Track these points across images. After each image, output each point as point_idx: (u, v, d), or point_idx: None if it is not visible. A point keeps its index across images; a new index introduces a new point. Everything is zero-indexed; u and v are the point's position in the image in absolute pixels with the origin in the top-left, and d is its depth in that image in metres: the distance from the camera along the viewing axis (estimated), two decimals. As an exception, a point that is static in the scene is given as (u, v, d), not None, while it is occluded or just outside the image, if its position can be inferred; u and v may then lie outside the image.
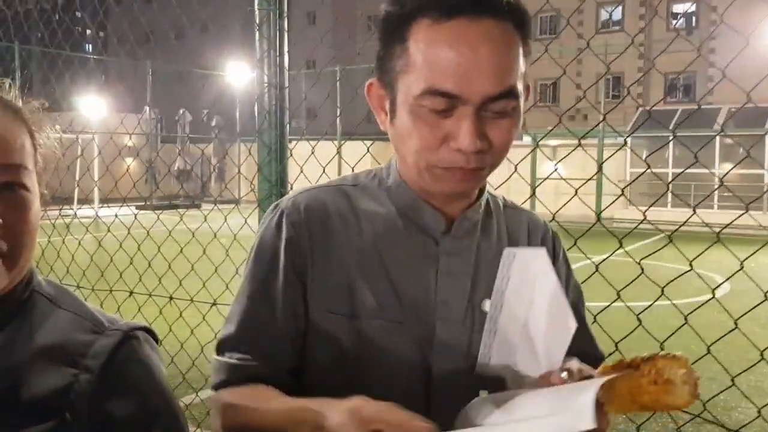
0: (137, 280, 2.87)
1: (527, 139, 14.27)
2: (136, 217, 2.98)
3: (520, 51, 0.97)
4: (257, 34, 2.02)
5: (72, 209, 3.71)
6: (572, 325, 0.91)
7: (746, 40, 1.85)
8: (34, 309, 0.90)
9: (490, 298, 1.02)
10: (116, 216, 3.09)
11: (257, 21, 2.04)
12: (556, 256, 1.19)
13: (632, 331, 1.83)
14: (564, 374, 0.90)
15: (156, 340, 0.96)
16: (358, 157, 2.33)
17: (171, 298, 2.80)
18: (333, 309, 1.03)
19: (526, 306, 0.94)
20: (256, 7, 2.03)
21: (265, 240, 1.08)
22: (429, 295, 1.05)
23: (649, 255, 1.82)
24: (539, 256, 0.95)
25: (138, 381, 0.88)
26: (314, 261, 1.04)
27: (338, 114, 20.24)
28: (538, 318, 0.93)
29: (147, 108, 23.00)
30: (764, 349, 1.72)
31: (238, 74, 24.68)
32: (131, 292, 2.97)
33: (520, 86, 0.97)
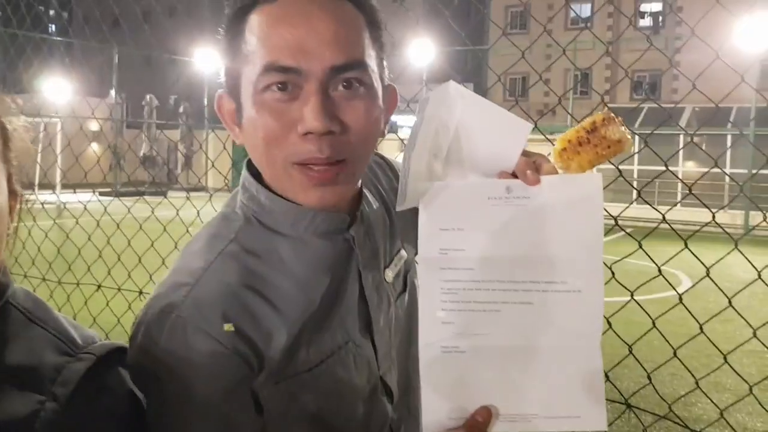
0: (106, 272, 2.80)
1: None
2: (105, 209, 2.90)
3: (366, 31, 0.91)
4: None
5: (33, 194, 3.61)
6: (524, 125, 0.92)
7: (713, 50, 1.88)
8: (5, 323, 0.80)
9: (389, 266, 1.04)
10: (84, 206, 3.01)
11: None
12: (397, 170, 1.18)
13: (604, 332, 1.84)
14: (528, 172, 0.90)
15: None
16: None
17: (140, 292, 2.73)
18: (281, 378, 0.90)
19: (443, 132, 0.93)
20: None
21: (180, 368, 0.84)
22: (358, 294, 0.99)
23: (622, 259, 1.83)
24: (450, 87, 0.93)
25: (111, 414, 0.80)
26: (255, 354, 0.87)
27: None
28: (468, 134, 0.93)
29: (112, 92, 22.59)
30: (728, 352, 1.75)
31: (207, 60, 24.37)
32: (99, 286, 2.90)
33: (374, 68, 0.91)
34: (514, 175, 0.92)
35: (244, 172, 0.99)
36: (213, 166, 2.26)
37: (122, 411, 0.81)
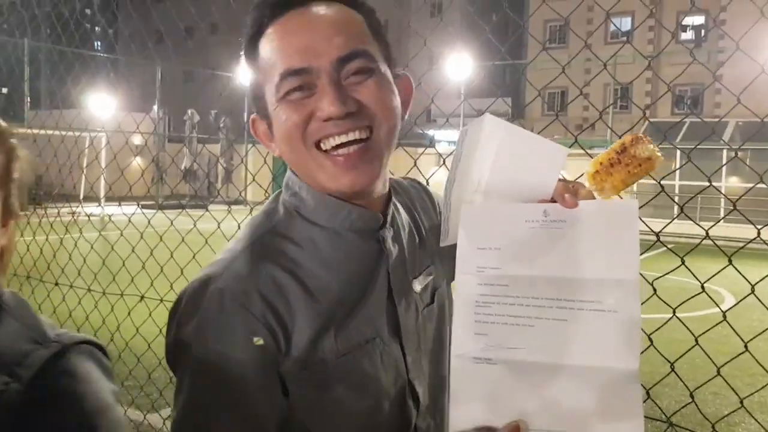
0: (149, 283, 2.86)
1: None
2: (149, 222, 2.97)
3: (365, 26, 0.99)
4: None
5: (77, 207, 3.71)
6: (561, 151, 0.95)
7: (759, 63, 1.85)
8: None
9: (417, 277, 1.09)
10: (129, 218, 3.08)
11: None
12: (434, 198, 1.25)
13: (645, 350, 1.81)
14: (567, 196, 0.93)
15: (105, 354, 0.93)
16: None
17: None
18: (307, 363, 0.94)
19: (482, 165, 0.96)
20: None
21: (216, 336, 0.90)
22: (386, 295, 1.04)
23: (664, 275, 1.80)
24: (486, 120, 0.96)
25: (69, 395, 0.84)
26: (284, 333, 0.93)
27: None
28: (507, 164, 0.95)
29: (155, 107, 23.05)
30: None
31: (247, 75, 24.67)
32: (142, 297, 2.96)
33: (378, 56, 0.98)
34: (553, 202, 0.94)
35: (288, 173, 1.05)
36: (254, 179, 2.29)
37: (82, 398, 0.85)
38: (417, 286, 1.08)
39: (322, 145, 0.95)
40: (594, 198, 0.93)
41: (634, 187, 0.98)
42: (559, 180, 0.95)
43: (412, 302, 1.06)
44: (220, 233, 2.57)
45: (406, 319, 1.04)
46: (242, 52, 1.03)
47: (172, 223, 2.91)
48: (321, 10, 0.96)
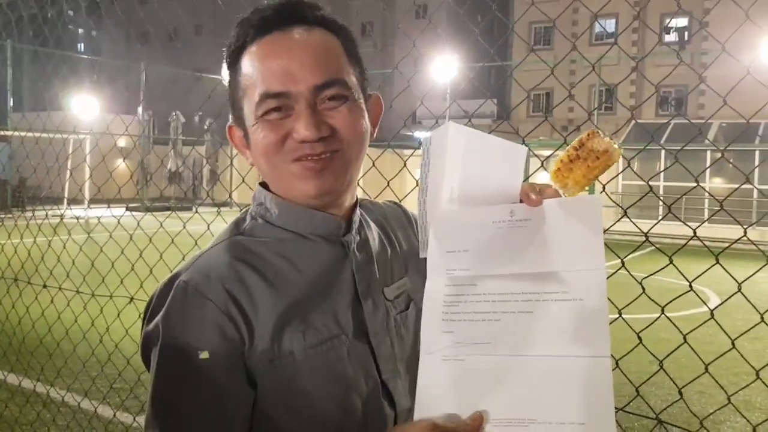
0: (138, 285, 2.86)
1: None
2: (138, 224, 2.97)
3: (342, 51, 1.05)
4: None
5: (63, 209, 3.69)
6: (521, 150, 0.98)
7: (744, 66, 1.87)
8: None
9: (390, 285, 1.12)
10: (118, 220, 3.07)
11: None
12: (411, 217, 1.29)
13: (633, 348, 1.82)
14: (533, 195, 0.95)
15: None
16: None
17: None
18: (273, 357, 0.97)
19: (452, 173, 0.98)
20: None
21: (179, 326, 0.94)
22: (352, 297, 1.07)
23: (651, 275, 1.83)
24: (450, 127, 0.98)
25: None
26: (247, 325, 0.96)
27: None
28: (474, 170, 0.98)
29: (140, 109, 22.93)
30: (760, 368, 1.73)
31: (228, 84, 24.58)
32: (132, 299, 2.95)
33: (353, 83, 1.04)
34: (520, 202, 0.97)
35: (257, 187, 1.12)
36: (243, 181, 2.30)
37: None
38: (390, 293, 1.12)
39: (292, 163, 1.01)
40: (558, 196, 0.96)
41: (619, 187, 0.99)
42: (525, 182, 0.98)
43: (381, 306, 1.09)
44: (209, 235, 2.57)
45: (373, 321, 1.07)
46: (225, 62, 1.08)
47: (161, 225, 2.91)
48: (302, 35, 1.02)
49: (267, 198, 1.09)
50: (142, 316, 1.00)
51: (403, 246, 1.21)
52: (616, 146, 0.95)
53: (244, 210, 1.14)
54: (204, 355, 0.92)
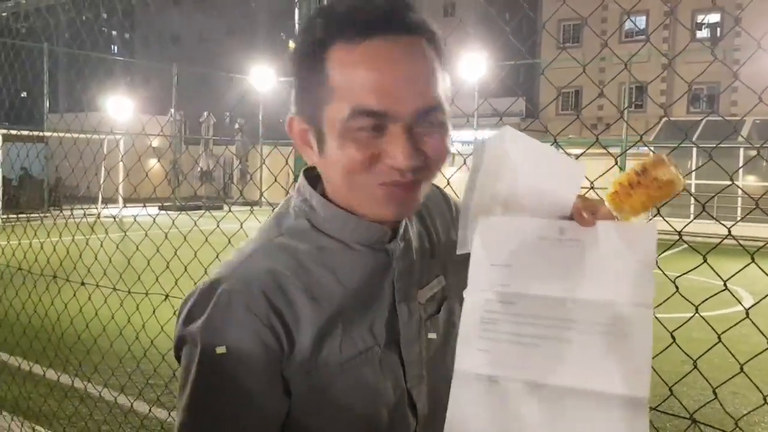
0: (173, 282, 2.92)
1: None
2: (174, 222, 3.02)
3: (438, 65, 0.97)
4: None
5: (101, 208, 3.76)
6: (579, 167, 0.94)
7: (776, 55, 1.85)
8: None
9: (422, 288, 1.08)
10: (153, 219, 3.14)
11: (298, 33, 2.08)
12: (451, 202, 1.24)
13: (666, 348, 1.81)
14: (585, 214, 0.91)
15: None
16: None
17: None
18: (310, 368, 0.96)
19: (502, 177, 0.95)
20: (296, 21, 2.07)
21: (221, 334, 0.92)
22: (389, 306, 1.04)
23: (685, 273, 1.81)
24: (506, 132, 0.95)
25: None
26: (287, 336, 0.94)
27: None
28: (525, 178, 0.95)
29: (172, 110, 23.23)
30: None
31: (262, 78, 24.86)
32: (167, 296, 3.01)
33: (446, 103, 0.98)
34: (571, 218, 0.93)
35: (301, 179, 1.07)
36: (276, 180, 2.34)
37: None
38: (423, 295, 1.09)
39: (376, 185, 0.95)
40: (612, 218, 0.91)
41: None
42: (579, 197, 0.94)
43: (415, 312, 1.06)
44: (242, 234, 2.62)
45: (407, 330, 1.05)
46: (296, 50, 0.99)
47: (195, 224, 2.96)
48: (408, 47, 0.93)
49: (314, 198, 1.03)
50: (177, 314, 0.98)
51: (441, 239, 1.17)
52: (681, 177, 0.89)
53: (285, 201, 1.09)
54: (254, 363, 0.91)
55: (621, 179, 0.90)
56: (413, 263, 1.08)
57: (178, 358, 0.98)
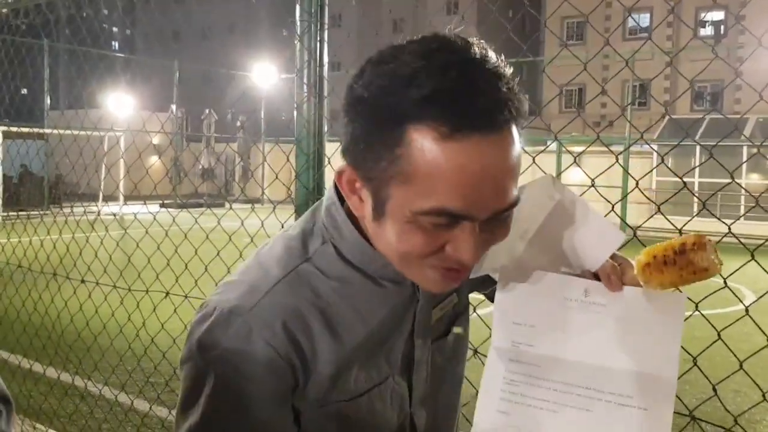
0: (174, 280, 2.91)
1: (552, 145, 14.19)
2: (174, 219, 3.02)
3: (519, 151, 0.87)
4: (298, 44, 2.05)
5: (101, 205, 3.76)
6: (617, 235, 0.92)
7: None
8: None
9: (434, 308, 1.04)
10: (154, 216, 3.13)
11: (298, 32, 2.07)
12: None
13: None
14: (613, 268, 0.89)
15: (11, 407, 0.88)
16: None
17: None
18: (324, 402, 0.94)
19: (532, 216, 0.95)
20: (297, 18, 2.06)
21: (235, 368, 0.89)
22: (408, 334, 1.02)
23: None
24: (550, 180, 0.95)
25: None
26: (304, 373, 0.92)
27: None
28: (559, 227, 0.94)
29: (173, 106, 23.23)
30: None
31: (264, 75, 24.86)
32: (167, 293, 3.01)
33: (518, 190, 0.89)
34: (596, 276, 0.91)
35: (332, 195, 0.99)
36: (277, 177, 2.33)
37: None
38: (434, 317, 1.06)
39: (438, 269, 0.89)
40: (639, 284, 0.88)
41: (653, 183, 0.96)
42: (609, 259, 0.91)
43: (428, 337, 1.05)
44: (243, 231, 2.61)
45: (420, 356, 1.03)
46: (371, 90, 0.83)
47: (196, 221, 2.95)
48: (502, 143, 0.81)
49: (345, 224, 0.96)
50: (190, 330, 0.93)
51: None
52: (718, 265, 0.84)
53: (311, 213, 1.02)
54: (266, 402, 0.89)
55: (656, 251, 0.86)
56: (435, 294, 1.03)
57: (186, 372, 0.94)
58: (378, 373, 0.98)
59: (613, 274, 0.89)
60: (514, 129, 0.83)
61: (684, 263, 0.84)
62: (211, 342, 0.90)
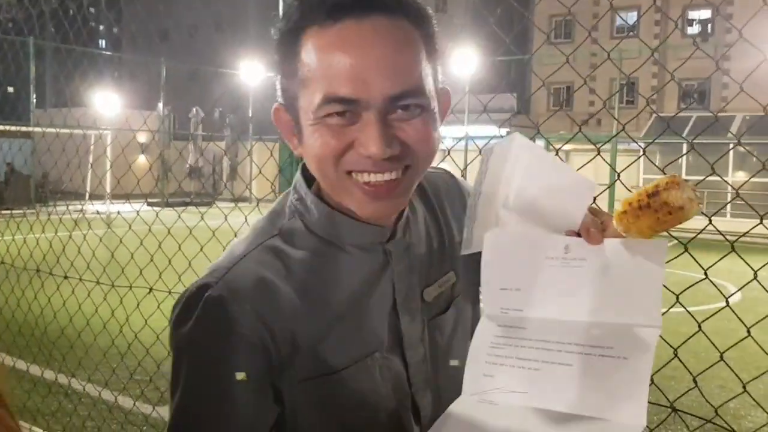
0: (157, 276, 2.89)
1: (540, 143, 14.21)
2: (157, 215, 3.00)
3: (422, 49, 0.90)
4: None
5: (85, 204, 3.73)
6: (589, 184, 0.92)
7: (765, 55, 1.84)
8: None
9: (429, 286, 1.04)
10: (137, 213, 3.11)
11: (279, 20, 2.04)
12: (465, 191, 1.17)
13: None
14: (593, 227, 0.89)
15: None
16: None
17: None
18: (305, 377, 0.92)
19: (509, 182, 0.94)
20: (281, 11, 2.04)
21: (205, 347, 0.90)
22: (390, 307, 1.00)
23: (668, 261, 1.81)
24: (515, 139, 0.94)
25: None
26: (277, 347, 0.90)
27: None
28: (533, 187, 0.93)
29: (160, 105, 23.11)
30: (776, 357, 1.71)
31: (251, 73, 24.77)
32: (150, 289, 2.98)
33: (430, 87, 0.91)
34: (578, 234, 0.91)
35: (298, 175, 1.02)
36: (260, 172, 2.31)
37: None
38: (430, 294, 1.05)
39: (353, 174, 0.90)
40: (621, 236, 0.88)
41: (640, 181, 0.95)
42: (588, 211, 0.92)
43: (418, 314, 1.02)
44: (227, 227, 2.59)
45: (410, 332, 1.01)
46: (276, 38, 0.94)
47: (179, 217, 2.93)
48: (381, 28, 0.86)
49: (308, 197, 0.99)
50: (170, 317, 0.93)
51: (453, 231, 1.12)
52: (695, 202, 0.83)
53: (282, 197, 1.05)
54: (240, 376, 0.88)
55: (631, 199, 0.86)
56: (414, 263, 1.03)
57: (173, 356, 0.94)
58: (360, 347, 0.95)
59: (592, 227, 0.89)
60: (407, 22, 0.89)
61: (658, 205, 0.83)
62: (182, 320, 0.90)
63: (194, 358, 0.90)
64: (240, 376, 0.88)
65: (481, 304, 0.96)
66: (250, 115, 25.64)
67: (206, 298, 0.89)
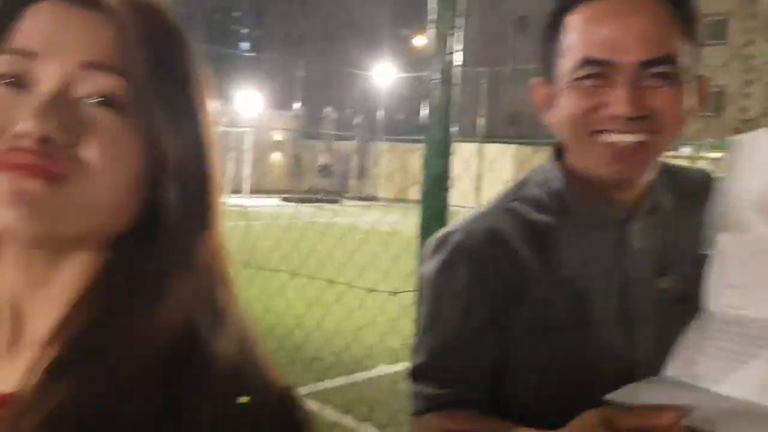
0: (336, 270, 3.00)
1: (685, 150, 13.53)
2: (295, 210, 3.10)
3: (678, 28, 0.96)
4: (435, 31, 2.05)
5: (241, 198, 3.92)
6: None
7: None
8: None
9: (666, 275, 1.03)
10: (297, 207, 3.26)
11: (431, 17, 2.06)
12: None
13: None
14: None
15: None
16: (498, 159, 2.28)
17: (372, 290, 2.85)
18: (528, 329, 0.99)
19: (751, 180, 0.89)
20: (429, 4, 2.06)
21: (447, 280, 1.03)
22: (620, 284, 1.02)
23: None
24: (764, 134, 0.89)
25: None
26: (506, 295, 1.00)
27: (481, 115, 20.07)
28: None
29: (297, 104, 23.92)
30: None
31: (383, 74, 25.19)
32: (347, 284, 3.14)
33: (685, 63, 0.95)
34: None
35: (551, 156, 1.10)
36: (390, 176, 2.34)
37: None
38: (660, 283, 1.04)
39: (601, 135, 0.96)
40: None
41: None
42: None
43: (651, 297, 1.03)
44: (360, 225, 2.64)
45: (640, 312, 1.02)
46: (547, 18, 1.05)
47: (336, 215, 3.01)
48: (641, 5, 0.95)
49: (552, 168, 1.06)
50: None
51: (698, 230, 1.07)
52: None
53: (534, 169, 1.13)
54: (472, 310, 1.00)
55: None
56: (654, 247, 1.04)
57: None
58: (584, 313, 1.00)
59: None
60: (663, 5, 0.95)
61: None
62: (428, 257, 1.06)
63: (436, 291, 1.04)
64: (471, 307, 1.01)
65: (704, 298, 0.92)
66: (381, 114, 26.08)
67: (449, 241, 1.03)
